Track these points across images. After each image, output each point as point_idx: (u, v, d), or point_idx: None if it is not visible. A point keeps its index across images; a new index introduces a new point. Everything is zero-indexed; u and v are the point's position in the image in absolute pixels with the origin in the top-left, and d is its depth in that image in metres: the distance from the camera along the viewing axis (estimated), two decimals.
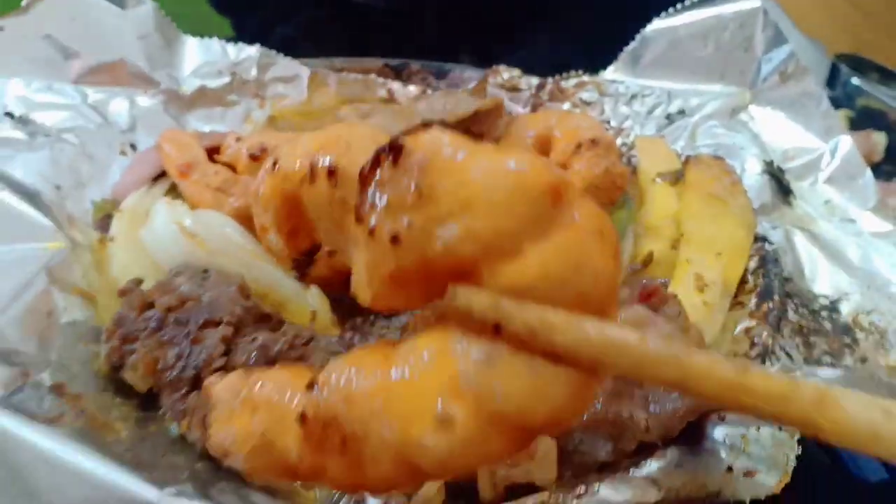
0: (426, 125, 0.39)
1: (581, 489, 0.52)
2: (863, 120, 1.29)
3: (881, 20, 1.89)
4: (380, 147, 0.37)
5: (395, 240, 0.36)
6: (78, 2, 0.89)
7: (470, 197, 0.34)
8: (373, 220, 0.36)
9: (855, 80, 1.39)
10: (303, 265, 0.72)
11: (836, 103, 1.13)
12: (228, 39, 0.98)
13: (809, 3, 2.15)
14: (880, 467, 0.68)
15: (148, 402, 0.61)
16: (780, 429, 0.49)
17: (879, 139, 1.22)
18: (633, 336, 0.34)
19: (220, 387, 0.45)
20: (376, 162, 0.37)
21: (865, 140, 1.18)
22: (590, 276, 0.35)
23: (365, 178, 0.37)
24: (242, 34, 1.32)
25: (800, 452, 0.48)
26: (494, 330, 0.35)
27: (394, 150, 0.36)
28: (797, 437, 0.48)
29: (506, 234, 0.34)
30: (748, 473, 0.51)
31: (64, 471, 0.50)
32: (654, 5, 1.24)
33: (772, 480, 0.48)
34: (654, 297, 0.62)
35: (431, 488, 0.51)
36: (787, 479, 0.47)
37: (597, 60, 1.02)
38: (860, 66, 1.44)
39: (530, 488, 0.53)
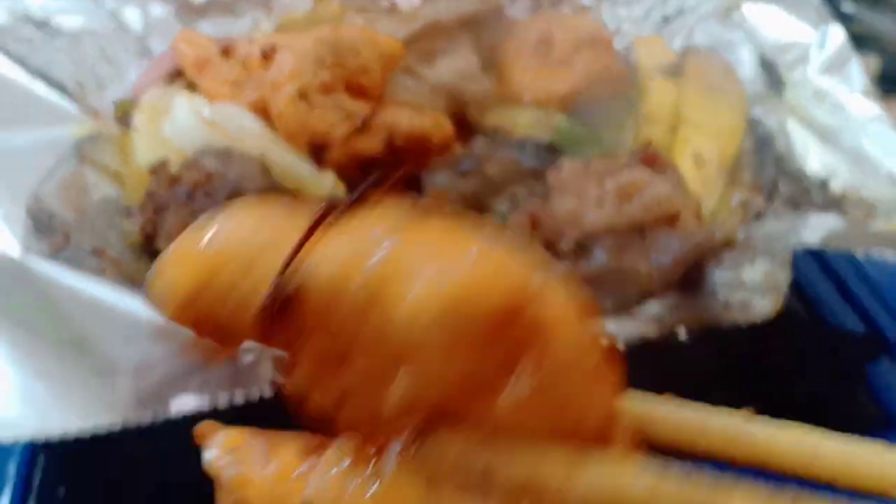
0: None
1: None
2: (856, 45, 1.32)
3: None
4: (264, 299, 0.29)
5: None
6: None
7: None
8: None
9: (846, 8, 1.42)
10: (319, 151, 0.76)
11: None
12: None
13: None
14: (858, 321, 0.73)
15: None
16: (773, 258, 0.53)
17: (873, 63, 1.25)
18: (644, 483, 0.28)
19: None
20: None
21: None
22: (577, 413, 0.29)
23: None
24: None
25: (791, 279, 0.52)
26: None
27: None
28: (789, 263, 0.52)
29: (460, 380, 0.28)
30: (743, 305, 0.55)
31: (112, 314, 0.54)
32: None
33: (766, 307, 0.52)
34: (654, 164, 0.66)
35: None
36: (781, 303, 0.51)
37: None
38: None
39: None
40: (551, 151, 0.83)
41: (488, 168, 0.80)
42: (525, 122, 0.85)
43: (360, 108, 0.76)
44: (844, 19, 1.44)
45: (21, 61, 0.74)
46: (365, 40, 0.78)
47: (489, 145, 0.83)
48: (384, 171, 0.72)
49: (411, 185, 0.78)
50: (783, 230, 0.58)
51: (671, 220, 0.63)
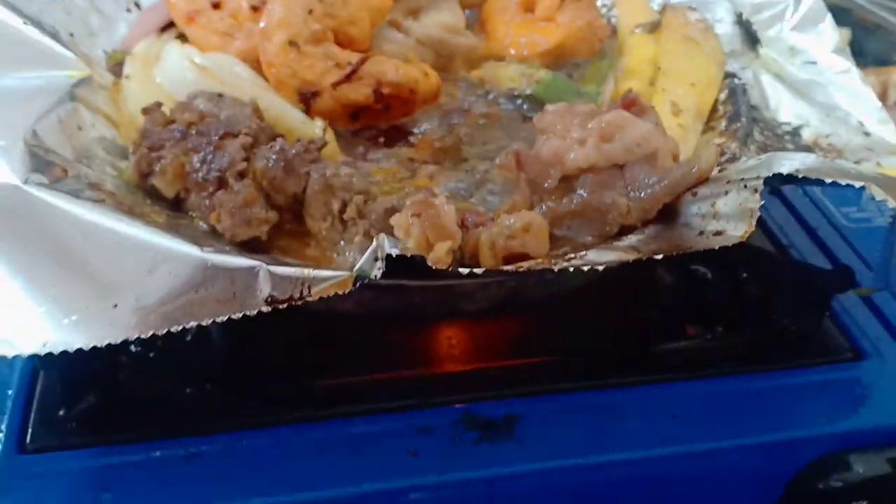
0: None
1: (570, 255, 0.59)
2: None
3: None
4: None
5: None
6: None
7: None
8: None
9: None
10: (307, 98, 0.78)
11: None
12: None
13: None
14: (826, 261, 0.76)
15: (174, 209, 0.67)
16: (745, 186, 0.56)
17: (843, 34, 1.28)
18: None
19: None
20: None
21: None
22: None
23: None
24: None
25: (761, 206, 0.55)
26: None
27: None
28: (760, 191, 0.55)
29: None
30: (717, 233, 0.57)
31: (113, 240, 0.55)
32: None
33: (739, 231, 0.55)
34: (633, 107, 0.69)
35: (441, 249, 0.57)
36: (752, 230, 0.54)
37: None
38: None
39: (525, 258, 0.60)
40: (534, 103, 0.86)
41: (474, 117, 0.82)
42: (509, 76, 0.87)
43: (348, 57, 0.78)
44: None
45: (14, 8, 0.75)
46: None
47: (474, 96, 0.86)
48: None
49: (399, 133, 0.80)
50: (756, 165, 0.60)
51: (650, 158, 0.65)
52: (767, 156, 0.63)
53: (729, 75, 0.83)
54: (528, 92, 0.86)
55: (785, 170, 0.57)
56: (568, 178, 0.66)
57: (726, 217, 0.57)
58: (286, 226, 0.66)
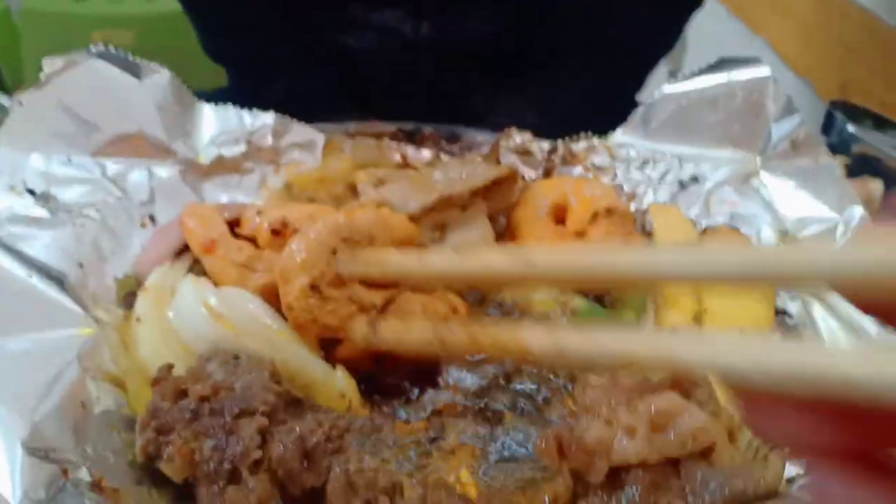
0: None
1: None
2: (859, 167, 1.31)
3: (865, 57, 1.94)
4: None
5: None
6: (95, 74, 0.89)
7: None
8: None
9: (850, 128, 1.42)
10: (329, 344, 0.73)
11: (833, 150, 1.15)
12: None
13: (799, 45, 2.20)
14: None
15: (183, 492, 0.61)
16: None
17: (876, 186, 1.24)
18: None
19: None
20: None
21: (862, 187, 1.20)
22: None
23: None
24: (239, 86, 1.33)
25: None
26: None
27: None
28: None
29: None
30: None
31: None
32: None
33: None
34: (685, 382, 0.63)
35: None
36: None
37: (596, 117, 1.03)
38: (854, 113, 1.48)
39: None
40: None
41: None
42: (542, 300, 0.82)
43: (373, 297, 0.73)
44: (847, 142, 1.45)
45: (17, 249, 0.71)
46: (380, 225, 0.76)
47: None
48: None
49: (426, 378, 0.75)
50: None
51: (706, 452, 0.59)
52: None
53: (779, 312, 0.77)
54: (563, 321, 0.80)
55: None
56: (616, 471, 0.60)
57: None
58: None
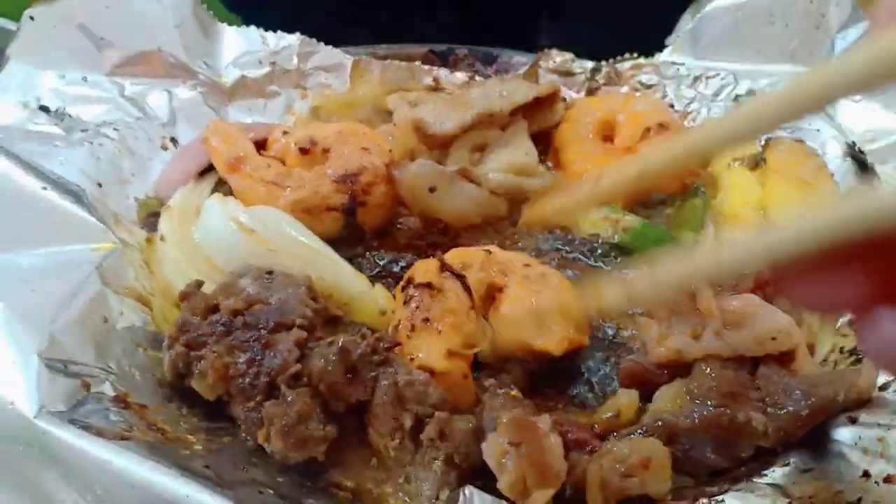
0: None
1: (703, 501, 0.48)
2: None
3: None
4: None
5: None
6: None
7: None
8: None
9: None
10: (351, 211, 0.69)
11: None
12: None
13: None
14: None
15: (215, 410, 0.57)
16: None
17: None
18: None
19: None
20: None
21: None
22: None
23: None
24: None
25: None
26: None
27: None
28: None
29: None
30: (888, 479, 0.46)
31: (143, 493, 0.45)
32: None
33: None
34: (767, 288, 0.58)
35: (541, 499, 0.47)
36: None
37: (632, 45, 0.97)
38: None
39: (644, 500, 0.49)
40: (620, 251, 0.75)
41: None
42: (591, 220, 0.77)
43: None
44: None
45: (33, 164, 0.66)
46: None
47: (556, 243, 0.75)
48: None
49: None
50: None
51: (785, 359, 0.54)
52: None
53: None
54: (615, 240, 0.75)
55: None
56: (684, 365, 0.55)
57: None
58: (346, 437, 0.56)
